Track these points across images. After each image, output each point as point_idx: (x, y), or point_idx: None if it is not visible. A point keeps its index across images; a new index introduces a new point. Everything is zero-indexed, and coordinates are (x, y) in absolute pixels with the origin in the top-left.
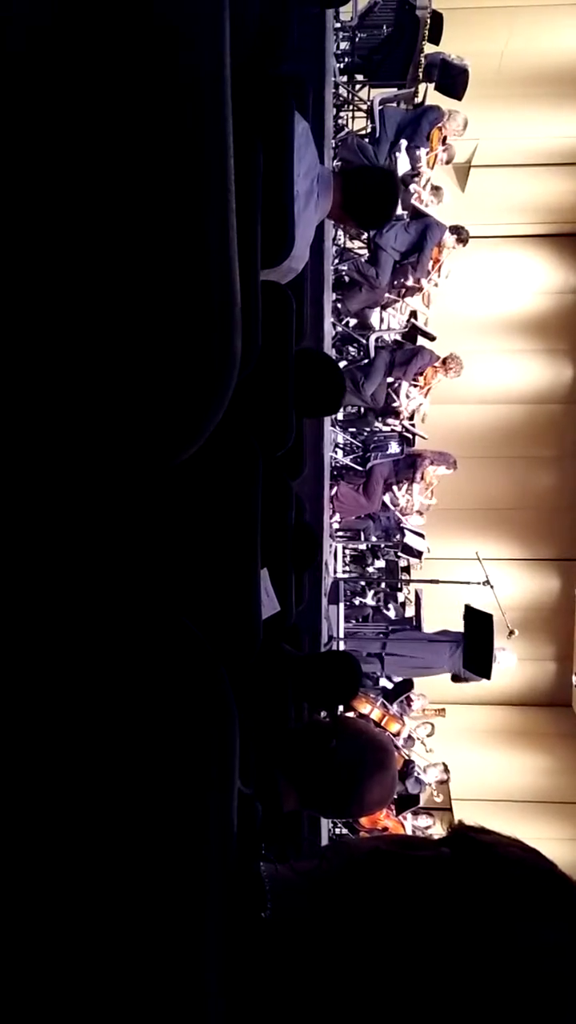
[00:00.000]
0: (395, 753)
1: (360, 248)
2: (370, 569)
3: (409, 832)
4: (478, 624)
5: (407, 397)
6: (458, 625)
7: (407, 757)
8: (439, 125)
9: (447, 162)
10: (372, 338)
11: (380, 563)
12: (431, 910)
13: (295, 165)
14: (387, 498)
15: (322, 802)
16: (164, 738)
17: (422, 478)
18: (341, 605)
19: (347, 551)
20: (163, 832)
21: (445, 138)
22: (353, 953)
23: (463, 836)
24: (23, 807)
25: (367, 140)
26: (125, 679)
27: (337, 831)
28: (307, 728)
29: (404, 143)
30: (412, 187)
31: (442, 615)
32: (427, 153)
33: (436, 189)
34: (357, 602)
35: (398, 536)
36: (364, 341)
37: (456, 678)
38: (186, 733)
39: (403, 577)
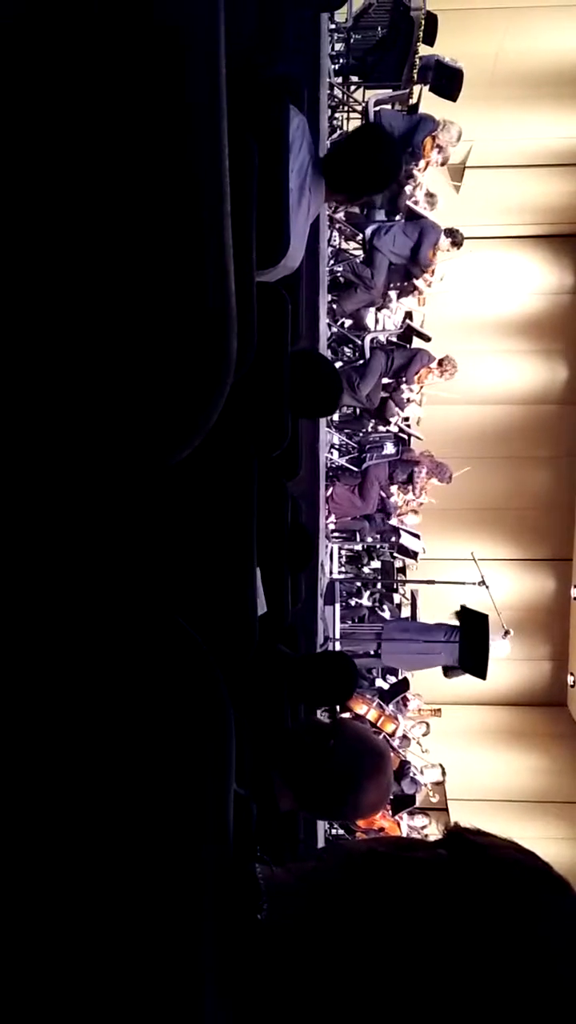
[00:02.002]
0: (391, 757)
1: (355, 249)
2: (366, 570)
3: (405, 832)
4: (473, 624)
5: (405, 395)
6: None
7: (403, 757)
8: (433, 134)
9: (442, 164)
10: (367, 339)
11: (376, 564)
12: (428, 912)
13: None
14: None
15: (318, 803)
16: (160, 740)
17: (422, 491)
18: (337, 606)
19: (343, 552)
20: (159, 834)
21: (438, 146)
22: (350, 955)
23: (459, 838)
24: (21, 813)
25: None
26: (121, 680)
27: (334, 832)
28: (303, 729)
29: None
30: (408, 189)
31: (438, 615)
32: (420, 159)
33: (430, 196)
34: (353, 603)
35: (394, 537)
36: (359, 342)
37: (448, 670)
38: (182, 735)
39: (399, 577)
